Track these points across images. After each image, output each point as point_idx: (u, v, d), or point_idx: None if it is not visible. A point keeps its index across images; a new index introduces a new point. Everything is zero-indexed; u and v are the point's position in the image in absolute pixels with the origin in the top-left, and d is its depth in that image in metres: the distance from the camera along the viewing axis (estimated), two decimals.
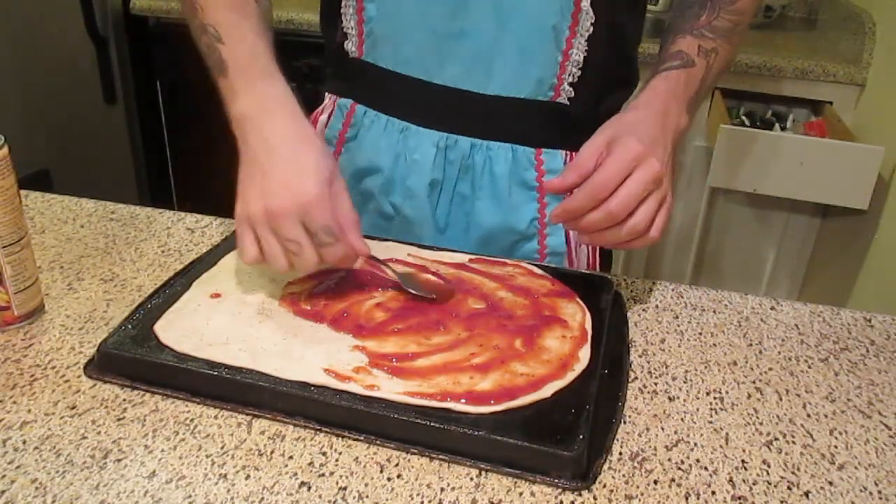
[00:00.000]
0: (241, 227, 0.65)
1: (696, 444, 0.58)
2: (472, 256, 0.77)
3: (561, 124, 0.81)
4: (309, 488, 0.52)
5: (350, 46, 0.84)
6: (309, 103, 0.78)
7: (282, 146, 0.65)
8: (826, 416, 0.62)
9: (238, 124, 0.68)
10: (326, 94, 0.91)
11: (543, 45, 0.77)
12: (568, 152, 0.83)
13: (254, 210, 0.63)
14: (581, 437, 0.54)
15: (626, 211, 0.64)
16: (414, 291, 0.69)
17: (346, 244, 0.64)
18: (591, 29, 0.77)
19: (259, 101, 0.68)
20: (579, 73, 0.79)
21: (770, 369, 0.67)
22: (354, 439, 0.56)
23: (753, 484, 0.54)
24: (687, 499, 0.53)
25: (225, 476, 0.53)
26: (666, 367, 0.66)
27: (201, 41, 0.72)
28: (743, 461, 0.57)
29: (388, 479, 0.53)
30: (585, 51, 0.78)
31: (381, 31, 0.80)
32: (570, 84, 0.79)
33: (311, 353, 0.61)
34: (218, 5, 0.72)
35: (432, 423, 0.55)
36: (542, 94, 0.79)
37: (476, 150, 0.82)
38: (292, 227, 0.62)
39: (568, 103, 0.80)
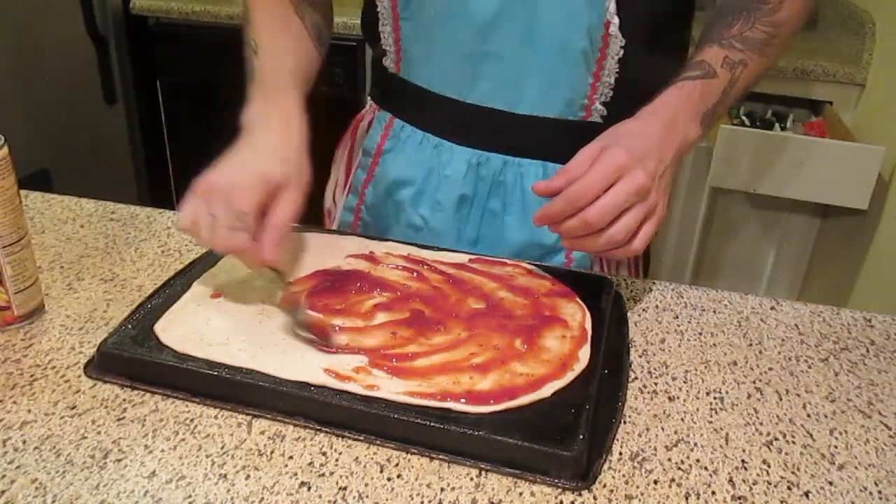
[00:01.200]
0: (188, 196, 0.66)
1: (696, 444, 0.58)
2: (472, 256, 0.77)
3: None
4: (309, 488, 0.52)
5: (388, 63, 0.86)
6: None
7: (259, 144, 0.70)
8: (826, 416, 0.62)
9: (244, 127, 0.71)
10: (369, 98, 0.95)
11: (572, 68, 0.77)
12: None
13: (202, 182, 0.66)
14: (581, 437, 0.54)
15: (602, 221, 0.64)
16: (301, 333, 0.64)
17: (256, 240, 0.65)
18: (622, 52, 0.76)
19: (265, 110, 0.72)
20: (612, 93, 0.78)
21: (770, 369, 0.67)
22: (354, 439, 0.56)
23: (753, 484, 0.54)
24: (687, 499, 0.53)
25: (225, 476, 0.53)
26: (666, 367, 0.66)
27: (245, 51, 0.78)
28: (743, 461, 0.57)
29: (388, 479, 0.53)
30: (617, 72, 0.77)
31: (415, 50, 0.82)
32: (603, 104, 0.79)
33: (311, 353, 0.61)
34: (262, 23, 0.79)
35: (432, 423, 0.55)
36: (572, 115, 0.80)
37: (508, 167, 0.83)
38: (216, 203, 0.64)
39: (601, 121, 0.80)
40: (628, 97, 0.75)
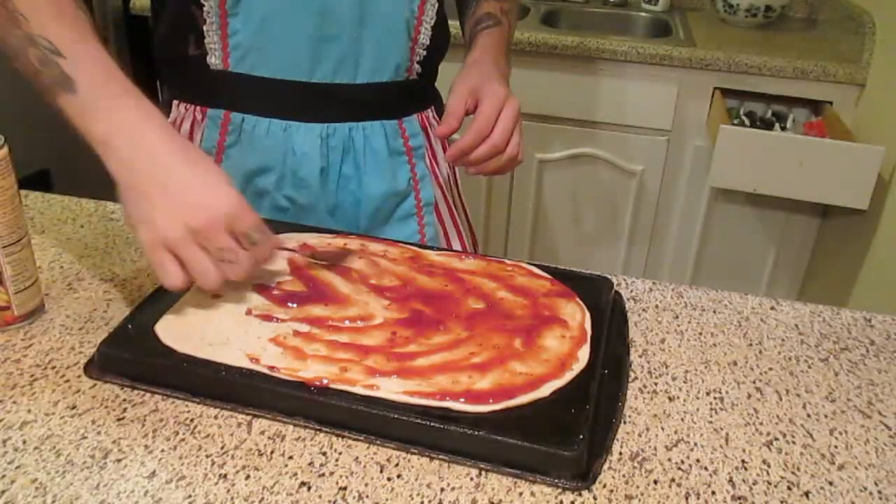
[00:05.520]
0: (156, 253, 0.62)
1: (696, 444, 0.58)
2: (472, 254, 0.77)
3: (413, 95, 0.96)
4: (309, 488, 0.52)
5: (213, 60, 0.86)
6: None
7: (177, 163, 0.63)
8: (826, 416, 0.62)
9: (107, 145, 0.63)
10: (177, 103, 0.93)
11: (398, 37, 0.89)
12: (419, 115, 0.97)
13: (171, 232, 0.61)
14: (581, 437, 0.54)
15: (505, 141, 0.81)
16: (317, 261, 0.74)
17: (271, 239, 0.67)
18: (435, 17, 0.91)
19: (130, 119, 0.64)
20: (425, 53, 0.92)
21: (770, 369, 0.67)
22: (354, 439, 0.56)
23: (753, 484, 0.55)
24: (687, 499, 0.53)
25: (225, 476, 0.53)
26: (666, 367, 0.66)
27: (28, 54, 0.64)
28: (743, 461, 0.57)
29: (388, 479, 0.53)
30: (431, 35, 0.91)
31: (250, 43, 0.84)
32: (418, 63, 0.92)
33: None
34: (46, 16, 0.65)
35: (432, 423, 0.55)
36: (399, 76, 0.91)
37: (355, 133, 0.91)
38: (224, 237, 0.62)
39: (417, 78, 0.94)
40: (432, 53, 0.93)
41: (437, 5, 0.90)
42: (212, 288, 0.63)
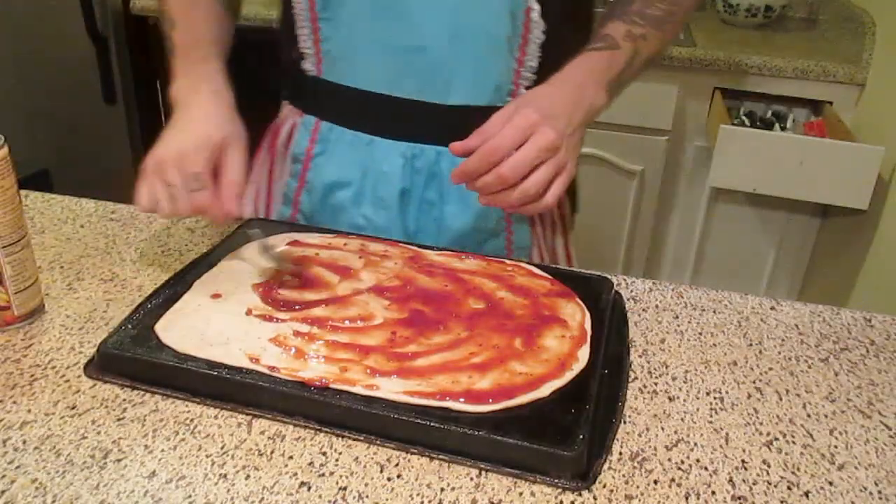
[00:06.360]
0: (140, 179, 0.70)
1: (696, 444, 0.58)
2: (472, 254, 0.77)
3: None
4: (309, 488, 0.52)
5: (308, 66, 0.86)
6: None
7: (196, 114, 0.74)
8: (826, 416, 0.62)
9: (173, 101, 0.76)
10: (285, 103, 0.93)
11: (498, 56, 0.80)
12: None
13: (149, 161, 0.70)
14: (581, 437, 0.54)
15: (516, 175, 0.67)
16: (276, 267, 0.73)
17: (216, 197, 0.69)
18: (543, 36, 0.80)
19: (190, 81, 0.77)
20: (534, 76, 0.81)
21: (770, 369, 0.67)
22: (354, 439, 0.56)
23: (753, 484, 0.55)
24: (687, 499, 0.53)
25: (225, 476, 0.53)
26: (666, 367, 0.66)
27: (164, 27, 0.82)
28: (743, 461, 0.57)
29: (388, 479, 0.53)
30: (539, 57, 0.81)
31: (338, 50, 0.83)
32: (526, 88, 0.82)
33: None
34: None
35: (432, 423, 0.55)
36: (500, 101, 0.81)
37: (442, 158, 0.84)
38: (172, 173, 0.69)
39: None
40: (544, 79, 0.78)
41: (544, 25, 0.79)
42: (164, 215, 0.71)
